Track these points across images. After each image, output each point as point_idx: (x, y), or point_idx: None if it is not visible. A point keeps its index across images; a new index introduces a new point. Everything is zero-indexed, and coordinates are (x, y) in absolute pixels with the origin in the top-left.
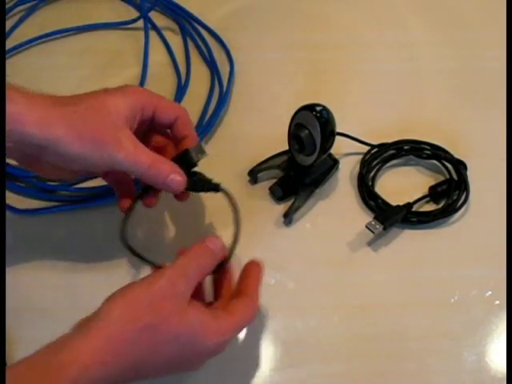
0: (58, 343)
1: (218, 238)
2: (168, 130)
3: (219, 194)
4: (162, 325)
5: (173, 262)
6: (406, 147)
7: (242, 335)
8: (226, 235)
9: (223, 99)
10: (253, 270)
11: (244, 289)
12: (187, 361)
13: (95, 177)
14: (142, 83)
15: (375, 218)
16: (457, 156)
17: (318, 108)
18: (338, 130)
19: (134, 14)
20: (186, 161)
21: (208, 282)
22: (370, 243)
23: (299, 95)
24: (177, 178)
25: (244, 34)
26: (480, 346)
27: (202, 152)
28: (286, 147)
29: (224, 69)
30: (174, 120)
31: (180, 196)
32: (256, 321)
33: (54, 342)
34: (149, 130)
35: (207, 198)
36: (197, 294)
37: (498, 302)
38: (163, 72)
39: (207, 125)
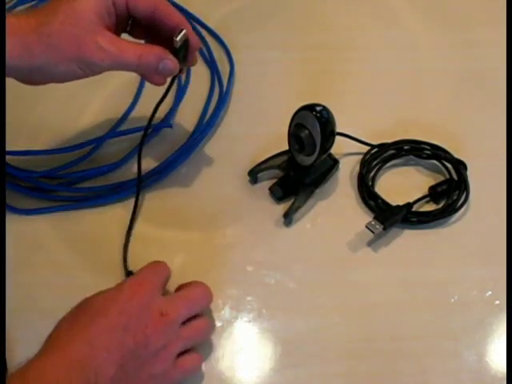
0: (23, 368)
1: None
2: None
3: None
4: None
5: None
6: (406, 147)
7: (241, 335)
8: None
9: (223, 99)
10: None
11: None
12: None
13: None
14: (142, 83)
15: (375, 218)
16: (457, 156)
17: (318, 108)
18: (338, 130)
19: None
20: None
21: None
22: (370, 243)
23: (299, 95)
24: (167, 63)
25: (244, 34)
26: (480, 346)
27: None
28: (286, 147)
29: (224, 69)
30: (151, 11)
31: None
32: (256, 320)
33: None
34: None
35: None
36: None
37: (497, 302)
38: None
39: (207, 125)
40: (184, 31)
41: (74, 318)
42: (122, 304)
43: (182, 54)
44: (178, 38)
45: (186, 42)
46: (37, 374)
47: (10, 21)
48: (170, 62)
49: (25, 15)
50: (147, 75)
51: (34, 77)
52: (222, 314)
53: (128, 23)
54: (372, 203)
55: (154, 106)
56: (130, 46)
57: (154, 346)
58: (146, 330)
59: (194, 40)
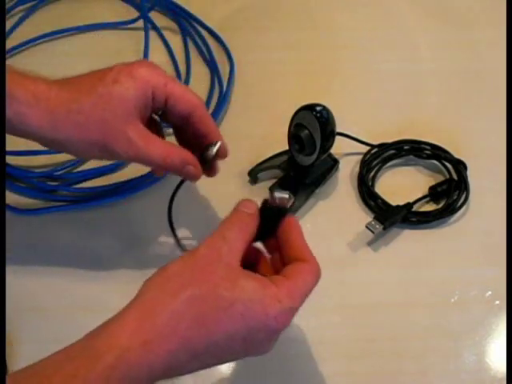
0: (94, 331)
1: (250, 200)
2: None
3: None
4: (212, 292)
5: (212, 233)
6: (406, 147)
7: None
8: None
9: (223, 99)
10: (293, 228)
11: (295, 253)
12: (251, 336)
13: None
14: None
15: (375, 217)
16: (457, 156)
17: (318, 108)
18: (338, 129)
19: (134, 13)
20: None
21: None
22: (370, 243)
23: (299, 95)
24: (191, 170)
25: (244, 34)
26: (480, 346)
27: (290, 198)
28: (286, 147)
29: (224, 69)
30: (187, 114)
31: (207, 172)
32: None
33: (91, 331)
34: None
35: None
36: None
37: (498, 302)
38: None
39: None
40: (219, 144)
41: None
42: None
43: (209, 163)
44: (213, 152)
45: (216, 153)
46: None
47: (41, 88)
48: (194, 169)
49: (57, 85)
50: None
51: (55, 146)
52: None
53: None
54: (372, 203)
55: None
56: (157, 143)
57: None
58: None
59: (224, 152)
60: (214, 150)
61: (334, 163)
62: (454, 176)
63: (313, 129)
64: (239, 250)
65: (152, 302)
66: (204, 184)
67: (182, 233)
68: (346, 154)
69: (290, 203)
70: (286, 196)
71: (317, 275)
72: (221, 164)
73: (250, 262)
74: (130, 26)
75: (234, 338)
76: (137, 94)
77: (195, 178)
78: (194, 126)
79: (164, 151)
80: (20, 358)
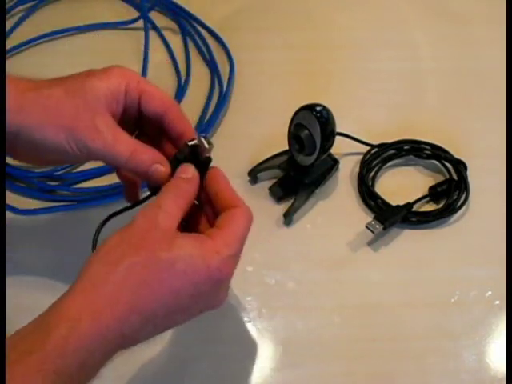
0: (45, 310)
1: (188, 165)
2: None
3: None
4: (151, 256)
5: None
6: (406, 147)
7: (241, 335)
8: None
9: (223, 99)
10: (218, 178)
11: (224, 202)
12: (197, 290)
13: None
14: None
15: (375, 218)
16: (457, 156)
17: (318, 108)
18: (338, 130)
19: (134, 13)
20: (195, 158)
21: None
22: (370, 243)
23: (299, 95)
24: (159, 168)
25: (244, 34)
26: (480, 346)
27: (209, 143)
28: (286, 147)
29: (224, 69)
30: (162, 112)
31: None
32: (256, 320)
33: (43, 311)
34: (141, 121)
35: None
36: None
37: (497, 302)
38: (163, 72)
39: (207, 125)
40: (195, 142)
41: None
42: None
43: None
44: (205, 144)
45: (195, 150)
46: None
47: (11, 76)
48: (163, 169)
49: (26, 79)
50: (129, 181)
51: (18, 143)
52: (221, 313)
53: (135, 124)
54: (372, 203)
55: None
56: (126, 138)
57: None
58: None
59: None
60: (205, 142)
61: (334, 163)
62: (454, 176)
63: (313, 129)
64: (175, 215)
65: (95, 275)
66: None
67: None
68: (346, 153)
69: (209, 150)
70: (205, 144)
71: (248, 218)
72: (221, 164)
73: (190, 223)
74: (129, 25)
75: (181, 296)
76: (109, 86)
77: (162, 178)
78: (170, 126)
79: (132, 145)
80: None
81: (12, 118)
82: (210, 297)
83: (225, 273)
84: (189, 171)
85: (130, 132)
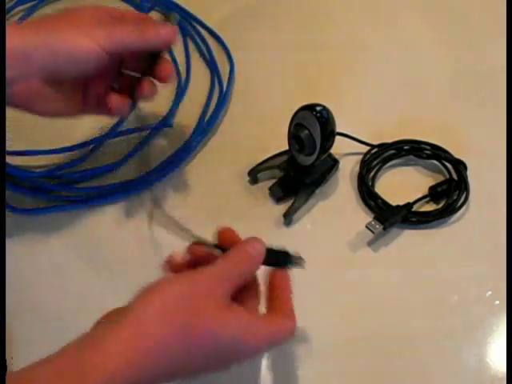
0: (85, 341)
1: (258, 240)
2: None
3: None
4: (201, 327)
5: (214, 264)
6: (406, 147)
7: None
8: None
9: (223, 99)
10: (283, 283)
11: (279, 305)
12: (225, 363)
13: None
14: None
15: (375, 218)
16: (457, 156)
17: (318, 108)
18: (338, 130)
19: None
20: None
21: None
22: (370, 243)
23: (299, 95)
24: (163, 30)
25: (244, 34)
26: (480, 346)
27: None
28: (286, 147)
29: (224, 69)
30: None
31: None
32: None
33: (82, 340)
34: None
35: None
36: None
37: (497, 302)
38: None
39: (207, 125)
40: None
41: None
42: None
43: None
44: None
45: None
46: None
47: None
48: (167, 28)
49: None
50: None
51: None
52: None
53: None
54: (372, 203)
55: (154, 106)
56: (126, 26)
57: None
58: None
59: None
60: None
61: (334, 163)
62: (454, 176)
63: (313, 129)
64: (233, 290)
65: (149, 327)
66: (204, 184)
67: (181, 232)
68: (346, 153)
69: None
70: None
71: (294, 330)
72: (221, 164)
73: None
74: None
75: (209, 365)
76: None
77: (171, 37)
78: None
79: (137, 22)
80: (20, 357)
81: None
82: (229, 365)
83: (250, 356)
84: (258, 248)
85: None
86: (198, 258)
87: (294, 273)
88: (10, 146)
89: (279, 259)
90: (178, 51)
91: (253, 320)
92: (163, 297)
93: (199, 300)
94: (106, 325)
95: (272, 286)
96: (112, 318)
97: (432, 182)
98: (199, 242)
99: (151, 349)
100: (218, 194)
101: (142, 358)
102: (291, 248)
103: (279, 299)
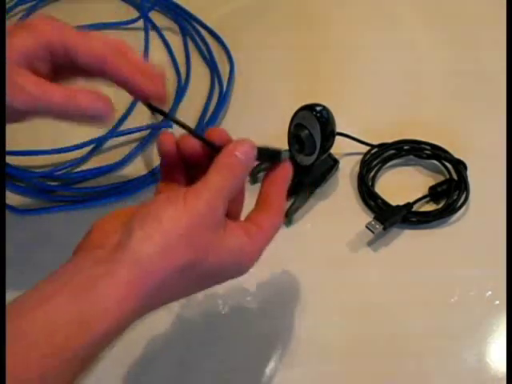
0: (77, 284)
1: (248, 142)
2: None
3: None
4: (203, 261)
5: (205, 179)
6: (406, 147)
7: (241, 335)
8: None
9: (223, 99)
10: (280, 175)
11: (268, 200)
12: (227, 278)
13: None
14: None
15: (375, 218)
16: (457, 156)
17: (318, 108)
18: (338, 130)
19: (134, 13)
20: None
21: None
22: (370, 243)
23: (299, 95)
24: (101, 105)
25: (244, 33)
26: (480, 345)
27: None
28: (286, 147)
29: (224, 69)
30: (97, 61)
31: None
32: (256, 321)
33: (71, 279)
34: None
35: None
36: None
37: (497, 302)
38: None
39: (207, 125)
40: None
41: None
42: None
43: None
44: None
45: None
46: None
47: None
48: (104, 104)
49: None
50: (76, 120)
51: None
52: (222, 313)
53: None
54: (372, 203)
55: (154, 106)
56: (56, 87)
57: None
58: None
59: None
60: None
61: (333, 163)
62: (454, 176)
63: (313, 129)
64: (229, 200)
65: (151, 268)
66: None
67: None
68: (346, 153)
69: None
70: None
71: (280, 226)
72: None
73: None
74: (130, 25)
75: (213, 284)
76: (27, 44)
77: (106, 116)
78: (114, 76)
79: (65, 93)
80: None
81: None
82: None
83: (248, 266)
84: (248, 149)
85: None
86: (188, 152)
87: (294, 273)
88: (10, 145)
89: (271, 157)
90: (178, 51)
91: (247, 235)
92: (162, 228)
93: (197, 228)
94: (96, 261)
95: (265, 180)
96: (101, 253)
97: (432, 182)
98: (193, 134)
99: (154, 290)
100: None
101: (145, 301)
102: (291, 248)
103: (266, 192)
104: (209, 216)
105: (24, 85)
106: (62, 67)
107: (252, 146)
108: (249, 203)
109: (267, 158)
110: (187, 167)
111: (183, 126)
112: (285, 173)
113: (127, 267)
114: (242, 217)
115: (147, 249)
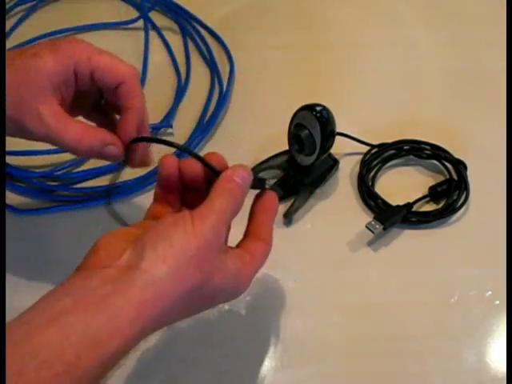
0: (85, 300)
1: (245, 168)
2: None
3: None
4: (208, 283)
5: (209, 203)
6: (406, 147)
7: (241, 335)
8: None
9: (223, 99)
10: (268, 204)
11: (258, 229)
12: (223, 302)
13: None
14: (142, 83)
15: (375, 218)
16: (457, 156)
17: (318, 108)
18: (338, 130)
19: (134, 14)
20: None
21: None
22: (370, 243)
23: (299, 95)
24: (111, 150)
25: (244, 33)
26: (480, 346)
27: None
28: (286, 147)
29: (224, 69)
30: (116, 85)
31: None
32: (256, 320)
33: (80, 296)
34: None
35: None
36: None
37: (497, 302)
38: (163, 72)
39: (207, 125)
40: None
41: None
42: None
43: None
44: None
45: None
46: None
47: None
48: (116, 149)
49: None
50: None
51: None
52: (221, 313)
53: (91, 98)
54: (372, 203)
55: (154, 106)
56: (72, 124)
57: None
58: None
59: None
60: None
61: (334, 163)
62: (454, 176)
63: (313, 129)
64: (228, 222)
65: (163, 288)
66: None
67: None
68: (346, 153)
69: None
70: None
71: (268, 254)
72: None
73: None
74: (130, 25)
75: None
76: (56, 69)
77: (117, 157)
78: (122, 99)
79: (79, 132)
80: None
81: None
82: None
83: (241, 292)
84: (246, 176)
85: (87, 107)
86: (189, 176)
87: (294, 273)
88: (10, 146)
89: (258, 184)
90: (178, 51)
91: (242, 261)
92: (173, 250)
93: (204, 253)
94: (106, 280)
95: (254, 208)
96: (111, 272)
97: (432, 182)
98: (196, 157)
99: (165, 311)
100: None
101: (155, 322)
102: (291, 248)
103: (257, 222)
104: (215, 239)
105: (43, 114)
106: (83, 94)
107: (249, 172)
108: (248, 204)
109: (254, 184)
110: (183, 190)
111: (188, 151)
112: (272, 202)
113: (140, 288)
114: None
115: (160, 270)
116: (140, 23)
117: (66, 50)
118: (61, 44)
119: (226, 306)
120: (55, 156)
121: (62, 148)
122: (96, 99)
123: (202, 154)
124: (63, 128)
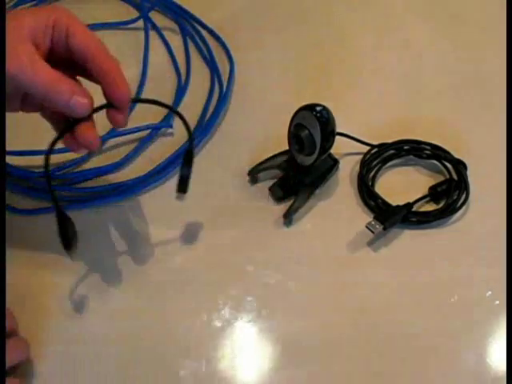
0: None
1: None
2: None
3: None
4: None
5: None
6: (406, 147)
7: (241, 335)
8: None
9: (223, 99)
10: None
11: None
12: None
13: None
14: (142, 83)
15: (375, 218)
16: (457, 156)
17: (318, 108)
18: (338, 130)
19: (134, 13)
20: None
21: None
22: (370, 243)
23: (299, 95)
24: (79, 100)
25: (244, 34)
26: (480, 346)
27: None
28: (286, 147)
29: (224, 69)
30: (87, 51)
31: (115, 120)
32: (256, 321)
33: None
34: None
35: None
36: None
37: (497, 302)
38: (163, 72)
39: (207, 125)
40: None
41: None
42: None
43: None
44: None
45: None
46: None
47: None
48: (85, 101)
49: None
50: (52, 106)
51: None
52: (222, 314)
53: (63, 63)
54: (372, 203)
55: (154, 106)
56: (47, 67)
57: None
58: None
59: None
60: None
61: (334, 163)
62: (454, 176)
63: (313, 129)
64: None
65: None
66: (204, 184)
67: (182, 232)
68: (346, 153)
69: None
70: None
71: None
72: (221, 164)
73: None
74: (130, 26)
75: None
76: (36, 18)
77: (84, 112)
78: (94, 63)
79: (51, 75)
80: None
81: None
82: None
83: None
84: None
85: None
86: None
87: (294, 272)
88: (10, 145)
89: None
90: (178, 51)
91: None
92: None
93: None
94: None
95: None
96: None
97: (432, 182)
98: None
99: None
100: (217, 194)
101: None
102: (291, 248)
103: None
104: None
105: (19, 53)
106: (57, 50)
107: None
108: (249, 203)
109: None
110: None
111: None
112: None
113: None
114: None
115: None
116: (140, 23)
117: (48, 8)
118: (44, 6)
119: (226, 307)
120: (55, 156)
121: (33, 94)
122: (69, 68)
123: (201, 154)
124: (35, 67)
